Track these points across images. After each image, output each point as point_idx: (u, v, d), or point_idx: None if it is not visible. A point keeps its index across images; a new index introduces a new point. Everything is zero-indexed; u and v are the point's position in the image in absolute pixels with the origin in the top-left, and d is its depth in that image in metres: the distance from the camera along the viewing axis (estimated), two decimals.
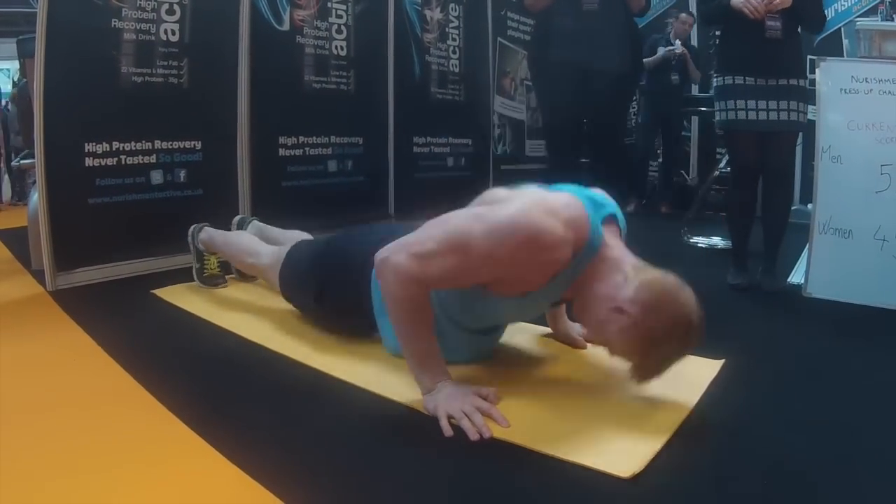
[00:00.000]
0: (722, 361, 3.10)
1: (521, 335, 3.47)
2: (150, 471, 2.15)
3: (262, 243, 3.92)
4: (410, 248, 2.53)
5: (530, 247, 2.41)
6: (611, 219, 2.74)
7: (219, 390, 2.81)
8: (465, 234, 2.47)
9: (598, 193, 2.79)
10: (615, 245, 2.65)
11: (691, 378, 2.89)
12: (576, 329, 3.37)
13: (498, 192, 2.71)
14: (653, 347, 2.44)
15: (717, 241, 6.29)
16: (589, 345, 3.31)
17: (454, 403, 2.46)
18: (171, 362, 3.11)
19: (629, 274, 2.53)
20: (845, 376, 3.07)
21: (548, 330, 3.47)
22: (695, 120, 9.39)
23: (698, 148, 9.63)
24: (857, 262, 3.76)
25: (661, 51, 8.41)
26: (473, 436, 2.33)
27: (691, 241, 6.51)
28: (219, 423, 2.46)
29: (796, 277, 4.76)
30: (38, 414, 2.55)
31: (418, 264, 2.48)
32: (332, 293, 3.24)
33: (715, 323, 3.69)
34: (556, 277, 2.54)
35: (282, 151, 5.69)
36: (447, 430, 2.37)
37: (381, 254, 2.58)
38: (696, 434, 2.43)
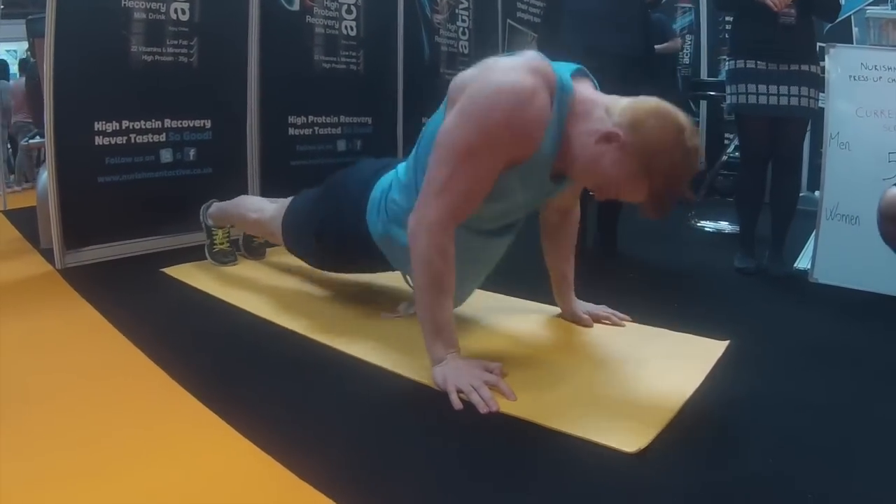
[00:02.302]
0: (727, 342, 3.12)
1: (529, 315, 3.51)
2: (162, 445, 2.18)
3: (267, 201, 3.96)
4: (429, 189, 2.57)
5: (515, 109, 2.42)
6: (580, 74, 2.75)
7: (230, 366, 2.84)
8: (461, 141, 2.50)
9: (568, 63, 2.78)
10: (589, 89, 2.67)
11: (697, 358, 2.94)
12: (582, 308, 3.41)
13: (463, 77, 2.70)
14: (652, 164, 2.40)
15: (725, 225, 6.29)
16: (595, 325, 3.36)
17: (463, 377, 2.49)
18: (182, 338, 3.14)
19: (609, 106, 2.52)
20: (850, 360, 3.08)
21: (556, 310, 3.50)
22: (703, 104, 9.38)
23: (706, 132, 9.62)
24: (864, 249, 3.76)
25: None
26: (483, 409, 2.36)
27: (698, 224, 6.51)
28: (230, 398, 2.49)
29: (803, 263, 4.77)
30: (50, 390, 2.58)
31: (443, 201, 2.53)
32: (332, 226, 3.27)
33: (721, 305, 3.72)
34: (545, 134, 2.53)
35: (291, 131, 5.71)
36: (457, 404, 2.40)
37: (413, 217, 2.61)
38: (701, 412, 2.46)
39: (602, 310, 3.45)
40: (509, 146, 2.50)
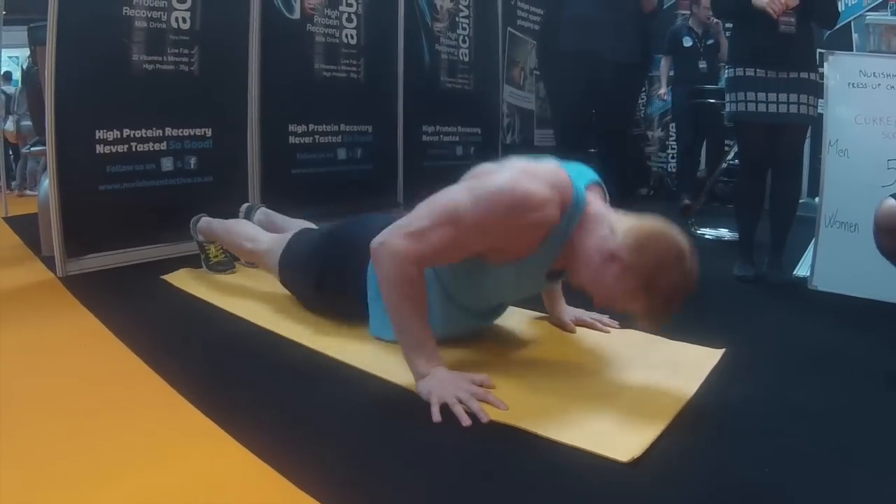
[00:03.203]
0: (723, 350, 3.13)
1: (518, 318, 3.52)
2: (160, 453, 2.18)
3: (261, 230, 3.97)
4: (404, 228, 2.60)
5: (518, 209, 2.48)
6: (595, 185, 2.85)
7: (227, 373, 2.84)
8: (455, 207, 2.55)
9: (582, 165, 2.89)
10: (599, 204, 2.72)
11: (692, 366, 2.95)
12: (569, 314, 3.45)
13: (485, 167, 2.75)
14: (652, 284, 2.46)
15: (724, 232, 6.31)
16: (591, 332, 3.38)
17: (448, 389, 2.50)
18: (181, 346, 3.14)
19: (615, 225, 2.58)
20: (848, 367, 3.09)
21: (543, 314, 3.52)
22: None
23: (707, 139, 9.63)
24: (863, 256, 3.76)
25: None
26: (466, 421, 2.36)
27: (698, 232, 6.52)
28: (228, 406, 2.49)
29: (802, 270, 4.78)
30: (49, 398, 2.58)
31: (412, 242, 2.56)
32: (331, 282, 3.29)
33: (719, 313, 3.72)
34: (545, 240, 2.60)
35: (292, 139, 5.73)
36: (436, 417, 2.40)
37: (377, 240, 2.63)
38: (695, 421, 2.46)
39: (589, 315, 3.48)
40: (496, 237, 2.58)
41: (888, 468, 2.19)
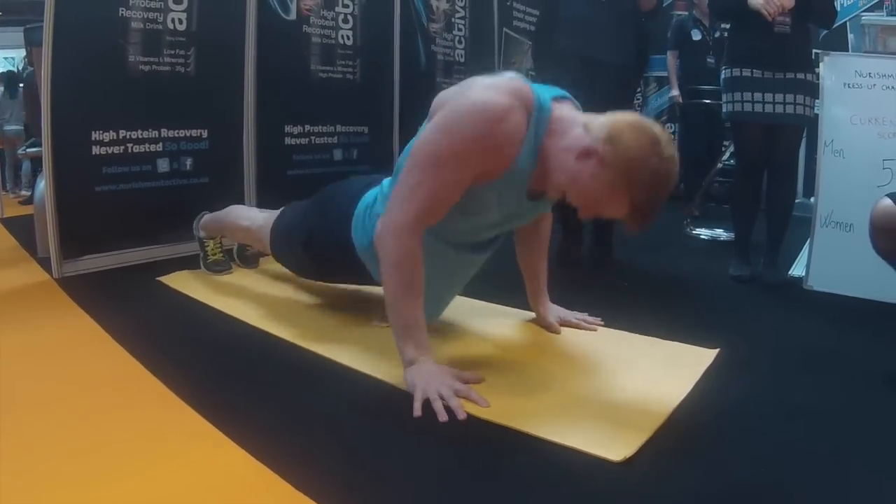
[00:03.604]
0: (717, 350, 3.14)
1: (512, 320, 3.54)
2: (157, 455, 2.18)
3: (257, 210, 4.04)
4: (395, 198, 2.64)
5: (487, 125, 2.48)
6: (563, 99, 2.80)
7: (225, 375, 2.84)
8: (432, 150, 2.57)
9: (551, 87, 2.86)
10: (567, 108, 2.72)
11: (685, 366, 2.95)
12: (554, 314, 3.46)
13: (446, 93, 2.77)
14: (632, 173, 2.43)
15: (720, 232, 6.30)
16: (583, 332, 3.39)
17: (432, 383, 2.51)
18: (178, 348, 3.15)
19: (587, 123, 2.57)
20: (843, 367, 3.09)
21: (532, 315, 3.53)
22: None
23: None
24: (858, 256, 3.77)
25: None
26: (443, 417, 2.38)
27: (694, 232, 6.54)
28: (226, 408, 2.50)
29: (797, 270, 4.78)
30: (46, 399, 2.59)
31: (408, 207, 2.59)
32: (319, 238, 3.31)
33: (715, 313, 3.73)
34: (520, 151, 2.59)
35: (287, 140, 5.73)
36: (417, 411, 2.42)
37: (380, 222, 2.67)
38: (689, 421, 2.47)
39: (574, 315, 3.49)
40: (478, 160, 2.55)
41: (885, 468, 2.20)
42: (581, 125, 2.58)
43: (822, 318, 3.87)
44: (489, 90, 2.53)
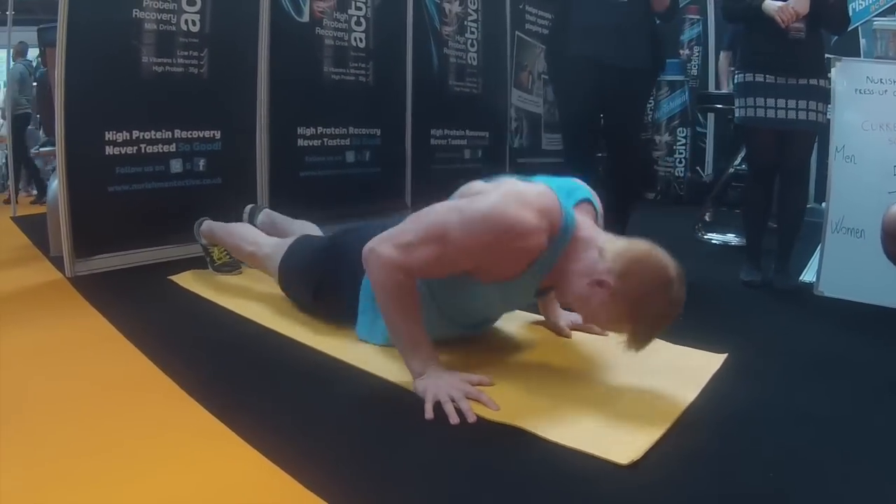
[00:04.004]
0: (725, 355, 3.13)
1: (514, 322, 3.53)
2: (169, 454, 2.20)
3: (262, 234, 3.99)
4: (393, 239, 2.64)
5: (505, 237, 2.51)
6: (584, 202, 2.87)
7: (236, 375, 2.85)
8: (442, 226, 2.58)
9: (573, 181, 2.93)
10: (588, 227, 2.74)
11: (693, 371, 2.95)
12: (565, 318, 3.46)
13: (476, 185, 2.81)
14: (637, 312, 2.50)
15: (731, 237, 6.29)
16: (592, 336, 3.37)
17: (443, 387, 2.53)
18: (189, 348, 3.16)
19: (602, 248, 2.61)
20: (853, 373, 3.09)
21: (540, 318, 3.54)
22: (711, 116, 9.42)
23: (713, 144, 9.65)
24: (869, 262, 3.77)
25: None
26: (454, 420, 2.39)
27: (705, 237, 6.54)
28: (236, 407, 2.51)
29: (808, 276, 4.78)
30: (59, 398, 2.60)
31: (400, 254, 2.59)
32: (328, 291, 3.33)
33: (725, 318, 3.72)
34: (533, 265, 2.63)
35: (300, 142, 5.74)
36: (429, 414, 2.43)
37: (368, 246, 2.67)
38: (696, 425, 2.47)
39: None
40: (482, 260, 2.61)
41: (892, 475, 2.20)
42: (597, 249, 2.62)
43: (832, 324, 3.87)
44: (521, 206, 2.54)
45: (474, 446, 2.28)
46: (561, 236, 2.61)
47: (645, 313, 2.50)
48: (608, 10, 4.45)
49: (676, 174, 9.63)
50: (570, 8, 4.67)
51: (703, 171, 9.71)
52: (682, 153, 9.65)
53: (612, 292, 2.51)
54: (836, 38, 6.48)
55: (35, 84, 10.63)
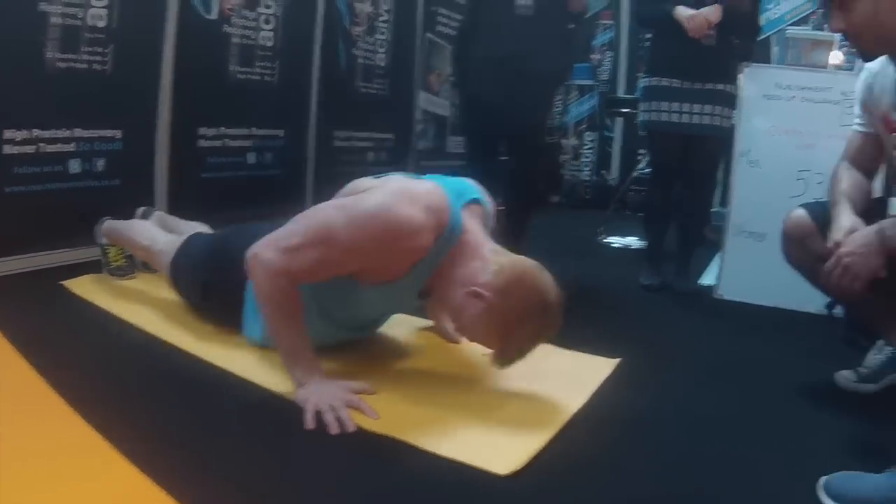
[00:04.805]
0: (618, 360, 3.16)
1: (403, 328, 3.51)
2: (49, 473, 2.12)
3: (159, 230, 3.95)
4: (277, 242, 2.61)
5: (391, 235, 2.50)
6: (474, 203, 2.86)
7: (122, 387, 2.78)
8: (328, 226, 2.57)
9: (464, 181, 2.94)
10: (476, 231, 2.75)
11: (584, 376, 2.97)
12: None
13: (363, 182, 2.83)
14: (509, 331, 2.52)
15: (633, 241, 6.38)
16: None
17: (324, 397, 2.50)
18: (78, 357, 3.06)
19: (487, 259, 2.61)
20: (748, 377, 3.18)
21: (430, 323, 3.53)
22: (619, 121, 9.51)
23: (621, 148, 9.75)
24: (769, 265, 3.80)
25: None
26: (334, 430, 2.38)
27: (606, 240, 6.60)
28: (121, 422, 2.43)
29: (708, 279, 4.84)
30: None
31: (285, 258, 2.57)
32: (216, 291, 3.29)
33: (622, 323, 3.75)
34: (417, 265, 2.62)
35: (202, 142, 5.63)
36: (309, 423, 2.42)
37: (251, 251, 2.64)
38: (583, 433, 2.48)
39: None
40: (367, 260, 2.61)
41: (784, 478, 2.23)
42: (481, 259, 2.63)
43: (729, 328, 3.96)
44: (409, 203, 2.54)
45: (354, 457, 2.27)
46: (447, 236, 2.61)
47: (516, 334, 2.52)
48: (516, 12, 4.46)
49: (583, 178, 9.74)
50: (478, 10, 4.67)
51: (610, 175, 9.81)
52: (589, 157, 9.82)
53: (487, 307, 2.52)
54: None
55: None
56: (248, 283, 2.99)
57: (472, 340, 2.79)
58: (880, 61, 2.88)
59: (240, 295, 3.11)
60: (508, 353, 2.60)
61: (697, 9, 4.29)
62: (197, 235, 3.65)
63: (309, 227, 2.61)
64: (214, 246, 3.43)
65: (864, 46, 2.76)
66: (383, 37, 7.43)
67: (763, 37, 8.41)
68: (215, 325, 3.38)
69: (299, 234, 2.60)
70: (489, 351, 2.67)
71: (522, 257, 2.67)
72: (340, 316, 2.95)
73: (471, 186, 2.96)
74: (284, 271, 2.56)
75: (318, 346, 2.74)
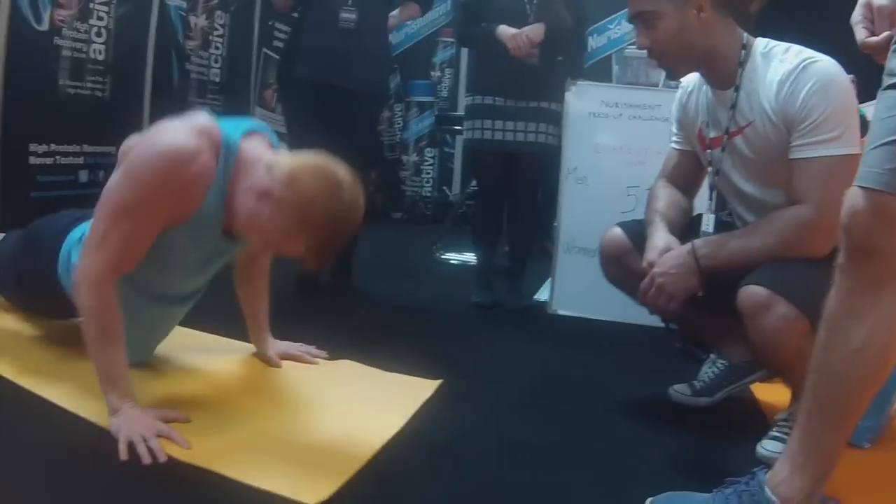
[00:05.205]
0: (439, 382, 3.11)
1: (228, 355, 3.42)
2: None
3: None
4: (88, 247, 2.56)
5: (174, 167, 2.45)
6: (257, 133, 2.81)
7: None
8: (119, 200, 2.51)
9: (243, 118, 2.88)
10: (255, 147, 2.71)
11: (402, 399, 2.91)
12: (275, 348, 3.40)
13: (131, 140, 2.77)
14: (307, 217, 2.45)
15: (470, 257, 6.30)
16: (301, 365, 3.35)
17: (135, 427, 2.45)
18: None
19: (271, 163, 2.57)
20: (572, 396, 3.18)
21: (252, 349, 3.43)
22: (459, 138, 9.58)
23: (461, 166, 9.82)
24: (600, 280, 3.87)
25: None
26: (146, 460, 2.32)
27: (443, 257, 6.62)
28: None
29: (543, 295, 4.89)
30: None
31: (98, 256, 2.51)
32: (28, 278, 3.18)
33: (449, 342, 3.74)
34: (209, 191, 2.57)
35: (33, 160, 5.46)
36: (123, 455, 2.34)
37: (74, 273, 2.59)
38: (397, 459, 2.43)
39: (297, 348, 3.45)
40: (166, 204, 2.53)
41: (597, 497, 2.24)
42: (266, 164, 2.58)
43: (562, 343, 3.99)
44: (176, 132, 2.50)
45: (173, 489, 2.22)
46: (225, 153, 2.58)
47: (315, 219, 2.45)
48: (337, 32, 4.45)
49: (424, 194, 9.78)
50: (300, 29, 4.66)
51: (451, 191, 9.87)
52: (429, 173, 9.87)
53: (278, 200, 2.47)
54: (588, 63, 6.70)
55: None
56: (60, 256, 2.94)
57: (278, 251, 2.78)
58: (694, 79, 2.95)
59: (49, 275, 2.97)
60: (317, 240, 2.53)
61: (520, 27, 4.33)
62: (10, 233, 3.54)
63: (105, 213, 2.54)
64: (24, 234, 3.32)
65: (668, 64, 2.84)
66: (218, 51, 7.36)
67: (603, 56, 8.78)
68: (36, 315, 3.33)
69: (100, 226, 2.54)
70: (303, 258, 2.63)
71: (305, 153, 2.62)
72: (157, 282, 2.86)
73: (252, 120, 2.93)
74: (105, 272, 2.50)
75: (138, 337, 2.71)
